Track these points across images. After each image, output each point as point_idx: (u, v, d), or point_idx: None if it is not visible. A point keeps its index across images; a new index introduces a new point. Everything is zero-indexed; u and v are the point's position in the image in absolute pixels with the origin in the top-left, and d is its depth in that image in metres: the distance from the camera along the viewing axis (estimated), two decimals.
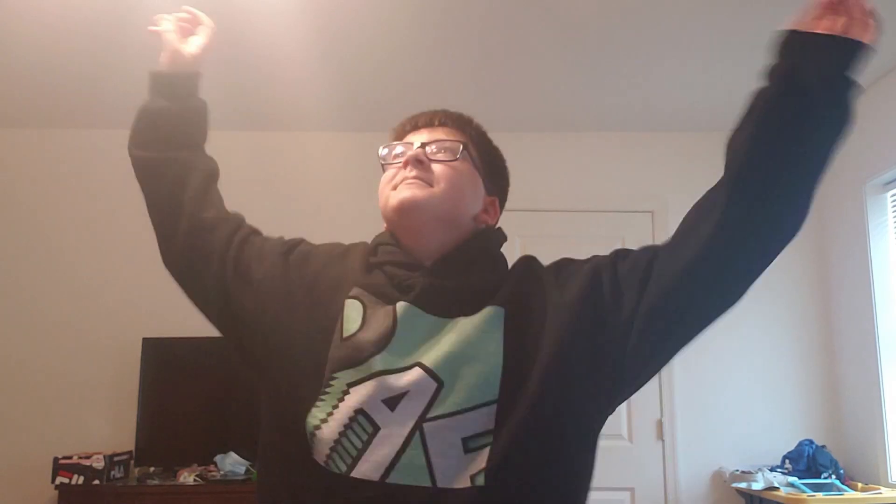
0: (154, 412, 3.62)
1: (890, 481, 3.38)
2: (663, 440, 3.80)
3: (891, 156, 3.43)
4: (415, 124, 1.18)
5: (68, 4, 2.84)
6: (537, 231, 3.98)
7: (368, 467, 0.91)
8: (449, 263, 1.06)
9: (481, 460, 0.91)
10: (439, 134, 1.15)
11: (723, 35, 3.09)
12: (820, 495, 3.23)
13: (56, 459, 3.36)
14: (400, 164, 1.10)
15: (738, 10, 2.90)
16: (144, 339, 3.69)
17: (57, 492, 3.33)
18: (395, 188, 1.08)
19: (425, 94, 3.68)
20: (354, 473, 0.91)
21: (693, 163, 4.08)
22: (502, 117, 3.93)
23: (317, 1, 2.84)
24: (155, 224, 1.27)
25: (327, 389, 0.96)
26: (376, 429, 0.93)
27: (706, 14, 2.93)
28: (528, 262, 1.10)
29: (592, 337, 0.98)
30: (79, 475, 3.33)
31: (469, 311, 1.00)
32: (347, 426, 0.93)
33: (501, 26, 3.04)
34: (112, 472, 3.40)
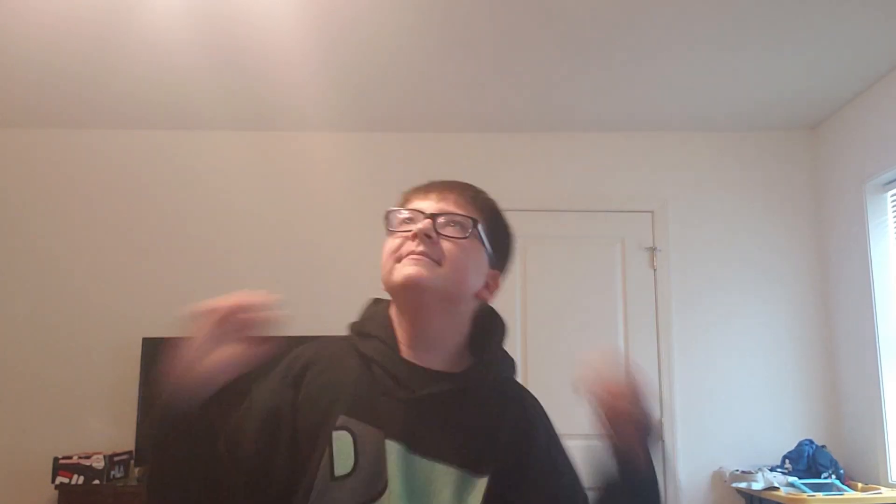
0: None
1: (890, 481, 3.38)
2: (663, 440, 3.80)
3: (891, 156, 3.42)
4: (426, 192, 1.12)
5: (68, 5, 2.84)
6: (537, 231, 3.98)
7: None
8: (449, 394, 1.03)
9: None
10: (450, 206, 1.09)
11: (723, 35, 3.09)
12: (820, 495, 3.22)
13: (56, 459, 3.36)
14: (407, 234, 1.06)
15: (738, 10, 2.90)
16: (144, 339, 3.69)
17: (57, 492, 3.33)
18: (399, 260, 1.05)
19: (425, 94, 3.69)
20: None
21: (693, 163, 4.09)
22: (502, 117, 3.93)
23: (317, 2, 2.84)
24: None
25: None
26: None
27: (706, 14, 2.93)
28: (525, 408, 1.12)
29: None
30: (79, 475, 3.34)
31: (468, 460, 1.00)
32: None
33: (501, 27, 3.03)
34: (112, 472, 3.40)
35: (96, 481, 3.33)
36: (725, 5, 2.87)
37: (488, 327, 1.13)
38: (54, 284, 3.94)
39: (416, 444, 0.98)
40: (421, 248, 1.04)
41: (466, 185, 1.14)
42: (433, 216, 1.06)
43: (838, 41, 3.15)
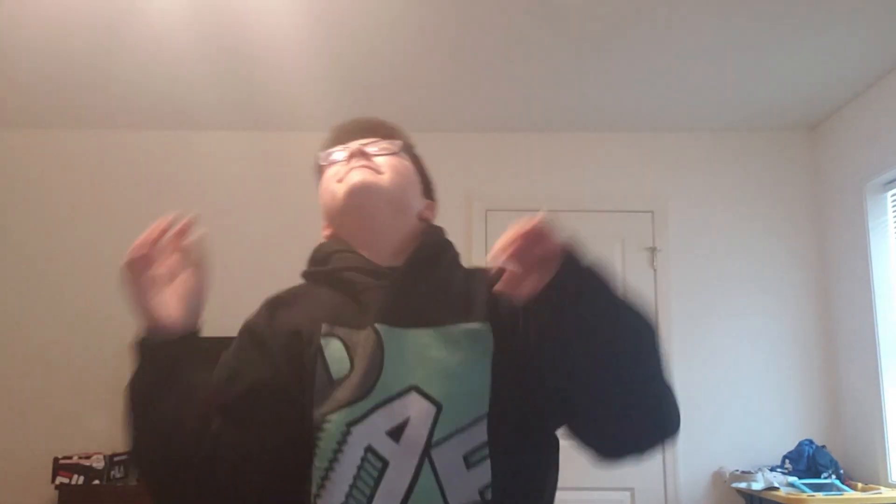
0: None
1: (890, 481, 3.38)
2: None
3: (891, 156, 3.43)
4: (349, 131, 1.18)
5: (68, 5, 2.84)
6: None
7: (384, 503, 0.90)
8: (415, 265, 1.04)
9: (484, 474, 0.91)
10: (376, 136, 1.16)
11: (723, 35, 3.09)
12: (820, 495, 3.22)
13: (56, 459, 3.36)
14: (343, 161, 1.11)
15: (738, 10, 2.90)
16: None
17: (57, 492, 3.33)
18: (341, 181, 1.09)
19: (425, 94, 3.69)
20: None
21: (693, 163, 4.09)
22: (502, 117, 3.93)
23: (317, 2, 2.84)
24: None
25: (320, 434, 0.92)
26: (385, 464, 0.91)
27: (706, 14, 2.93)
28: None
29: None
30: (79, 475, 3.34)
31: (450, 317, 0.99)
32: (360, 467, 0.91)
33: (502, 27, 3.04)
34: (112, 472, 3.40)
35: (96, 481, 3.33)
36: (725, 6, 2.87)
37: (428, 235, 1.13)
38: (54, 284, 3.94)
39: (399, 320, 0.98)
40: (361, 163, 1.09)
41: (374, 119, 1.21)
42: (363, 146, 1.12)
43: (838, 41, 3.15)
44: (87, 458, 3.36)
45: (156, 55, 3.24)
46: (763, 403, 3.84)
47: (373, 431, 0.92)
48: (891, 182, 3.53)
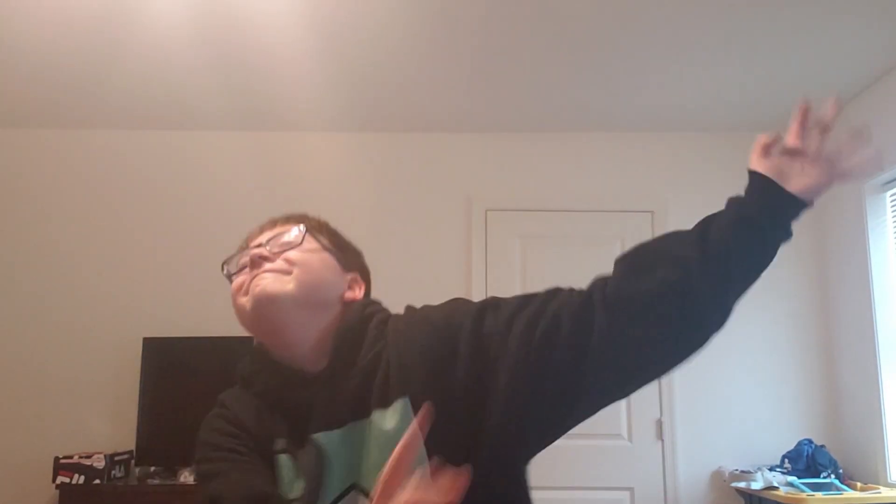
0: (154, 412, 3.62)
1: (889, 481, 3.39)
2: (663, 440, 3.80)
3: (890, 156, 3.43)
4: (250, 236, 1.11)
5: (68, 5, 2.85)
6: (537, 231, 3.98)
7: None
8: (336, 365, 1.00)
9: None
10: (276, 230, 1.09)
11: (723, 35, 3.10)
12: (819, 495, 3.23)
13: (57, 459, 3.37)
14: (244, 268, 1.05)
15: (738, 10, 2.91)
16: (144, 339, 3.69)
17: (58, 491, 3.33)
18: (246, 294, 1.02)
19: (425, 94, 3.69)
20: None
21: (693, 163, 4.09)
22: (502, 117, 3.94)
23: (317, 2, 2.84)
24: None
25: None
26: None
27: (706, 14, 2.94)
28: (419, 331, 1.02)
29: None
30: (79, 475, 3.34)
31: (381, 401, 0.97)
32: None
33: (501, 26, 3.04)
34: (113, 472, 3.41)
35: (97, 481, 3.33)
36: (725, 6, 2.88)
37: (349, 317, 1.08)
38: (54, 284, 3.94)
39: (333, 423, 0.97)
40: (263, 267, 1.02)
41: (280, 217, 1.13)
42: (260, 244, 1.05)
43: (838, 41, 3.15)
44: (88, 457, 3.37)
45: (156, 55, 3.25)
46: (762, 403, 3.85)
47: None
48: (890, 182, 3.54)
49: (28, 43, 3.14)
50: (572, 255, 3.95)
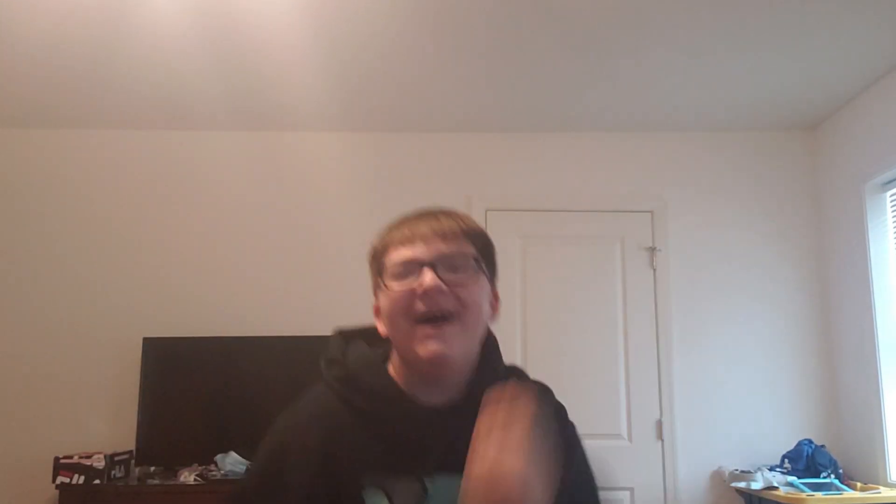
0: (154, 412, 3.62)
1: (889, 481, 3.39)
2: (662, 440, 3.80)
3: (890, 156, 3.43)
4: (409, 239, 1.03)
5: (69, 5, 2.85)
6: (537, 231, 3.98)
7: None
8: (470, 409, 0.94)
9: None
10: (441, 246, 1.01)
11: (722, 35, 3.10)
12: (819, 495, 3.23)
13: (57, 459, 3.36)
14: (413, 286, 0.99)
15: (738, 10, 2.91)
16: (145, 339, 3.69)
17: (58, 491, 3.33)
18: (415, 319, 0.98)
19: (425, 94, 3.69)
20: None
21: (693, 163, 4.09)
22: (502, 118, 3.94)
23: (317, 2, 2.84)
24: None
25: None
26: None
27: (706, 14, 2.94)
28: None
29: None
30: (79, 475, 3.34)
31: None
32: None
33: (501, 26, 3.04)
34: (113, 472, 3.41)
35: (97, 481, 3.33)
36: (725, 6, 2.88)
37: (487, 345, 1.07)
38: (54, 284, 3.94)
39: (446, 468, 0.93)
40: (435, 303, 0.97)
41: (442, 217, 1.05)
42: (433, 264, 0.99)
43: (838, 41, 3.15)
44: (88, 457, 3.36)
45: (156, 55, 3.25)
46: (762, 403, 3.85)
47: None
48: (890, 182, 3.54)
49: (28, 43, 3.14)
50: (572, 255, 3.96)
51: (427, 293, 0.97)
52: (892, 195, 3.55)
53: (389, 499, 0.93)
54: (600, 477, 1.03)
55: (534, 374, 1.11)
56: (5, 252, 3.98)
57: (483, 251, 1.05)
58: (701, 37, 3.11)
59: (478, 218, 4.04)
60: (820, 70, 3.41)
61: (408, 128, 4.07)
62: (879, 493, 3.27)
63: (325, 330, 1.47)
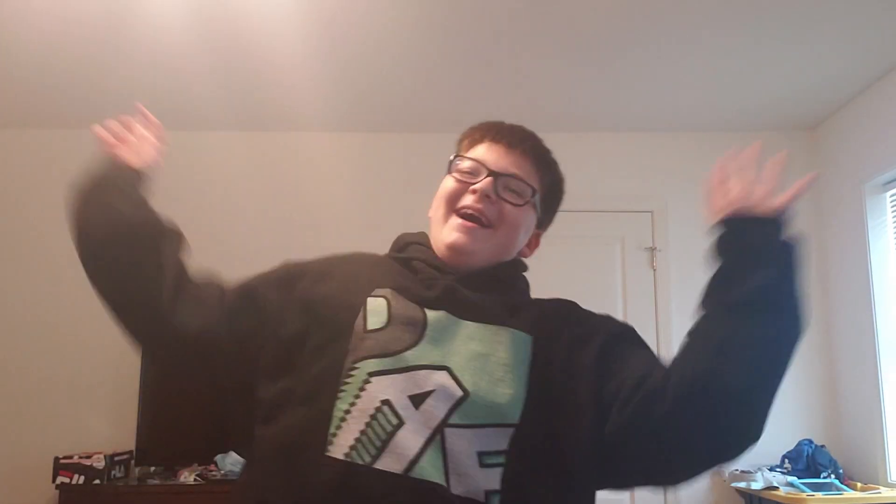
0: (154, 412, 3.62)
1: (889, 481, 3.39)
2: None
3: (890, 156, 3.43)
4: (494, 141, 1.17)
5: (69, 5, 2.85)
6: None
7: (392, 460, 0.89)
8: (481, 275, 1.09)
9: (494, 479, 0.91)
10: (516, 167, 1.14)
11: (722, 36, 3.10)
12: (819, 495, 3.23)
13: (56, 459, 3.36)
14: (465, 183, 1.12)
15: (738, 10, 2.91)
16: None
17: (58, 491, 3.33)
18: (455, 211, 1.11)
19: (425, 94, 3.69)
20: (377, 465, 0.89)
21: (693, 163, 4.08)
22: (502, 117, 3.93)
23: (317, 2, 2.84)
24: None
25: (347, 380, 0.95)
26: (401, 423, 0.91)
27: (706, 15, 2.94)
28: (566, 305, 1.13)
29: (596, 409, 0.99)
30: (79, 475, 3.34)
31: (497, 319, 1.03)
32: (373, 416, 0.92)
33: (502, 27, 3.04)
34: (113, 472, 3.41)
35: (97, 481, 3.33)
36: (725, 6, 2.88)
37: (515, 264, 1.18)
38: (54, 284, 3.94)
39: (450, 309, 1.03)
40: (479, 206, 1.09)
41: (533, 144, 1.21)
42: (496, 175, 1.11)
43: (838, 41, 3.15)
44: (88, 457, 3.36)
45: (156, 55, 3.25)
46: None
47: (393, 389, 0.94)
48: (890, 182, 3.54)
49: (28, 43, 3.14)
50: (572, 255, 3.95)
51: (476, 195, 1.09)
52: (892, 195, 3.55)
53: (388, 306, 1.02)
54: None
55: None
56: (5, 252, 3.99)
57: (548, 191, 1.19)
58: (701, 37, 3.11)
59: None
60: (820, 70, 3.41)
61: (408, 128, 4.07)
62: (879, 493, 3.27)
63: None
